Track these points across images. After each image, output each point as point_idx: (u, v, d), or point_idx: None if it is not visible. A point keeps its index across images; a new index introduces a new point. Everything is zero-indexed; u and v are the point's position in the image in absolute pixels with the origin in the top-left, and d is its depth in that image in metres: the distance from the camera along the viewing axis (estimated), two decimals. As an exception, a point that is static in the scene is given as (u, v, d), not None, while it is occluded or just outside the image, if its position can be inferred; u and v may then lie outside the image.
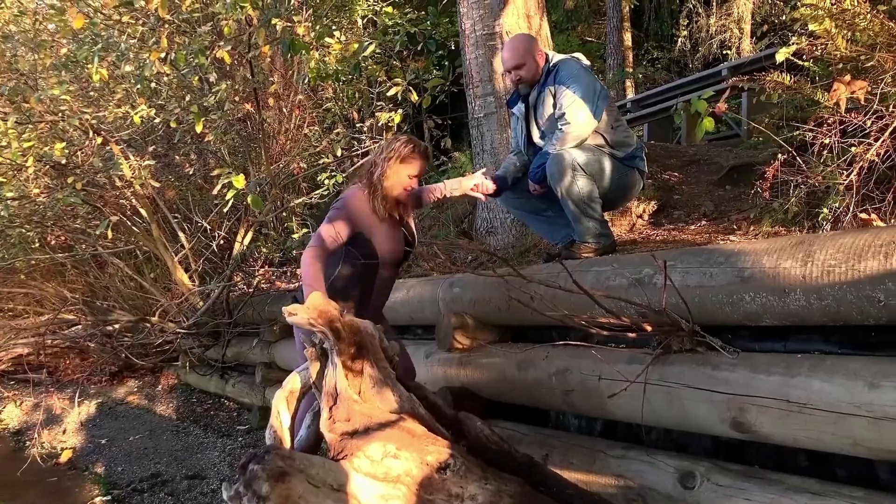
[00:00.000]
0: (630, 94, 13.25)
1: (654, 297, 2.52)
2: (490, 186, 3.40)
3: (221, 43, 4.79)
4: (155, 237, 6.31)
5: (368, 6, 10.68)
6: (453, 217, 5.30)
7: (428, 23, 8.05)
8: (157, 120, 5.18)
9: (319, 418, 2.34)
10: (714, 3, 14.34)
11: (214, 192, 4.57)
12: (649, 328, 2.44)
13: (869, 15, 3.13)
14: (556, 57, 3.54)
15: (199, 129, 4.75)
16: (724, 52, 13.89)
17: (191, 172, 6.33)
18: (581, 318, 2.53)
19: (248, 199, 4.45)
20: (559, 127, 3.35)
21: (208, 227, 5.82)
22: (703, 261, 2.46)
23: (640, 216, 4.39)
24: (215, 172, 4.49)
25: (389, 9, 7.64)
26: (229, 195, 4.28)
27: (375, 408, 2.21)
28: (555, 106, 3.42)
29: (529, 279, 2.61)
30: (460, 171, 7.08)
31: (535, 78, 3.53)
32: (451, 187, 3.33)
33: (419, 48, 7.49)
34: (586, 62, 3.56)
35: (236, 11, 4.28)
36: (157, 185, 5.67)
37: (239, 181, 4.19)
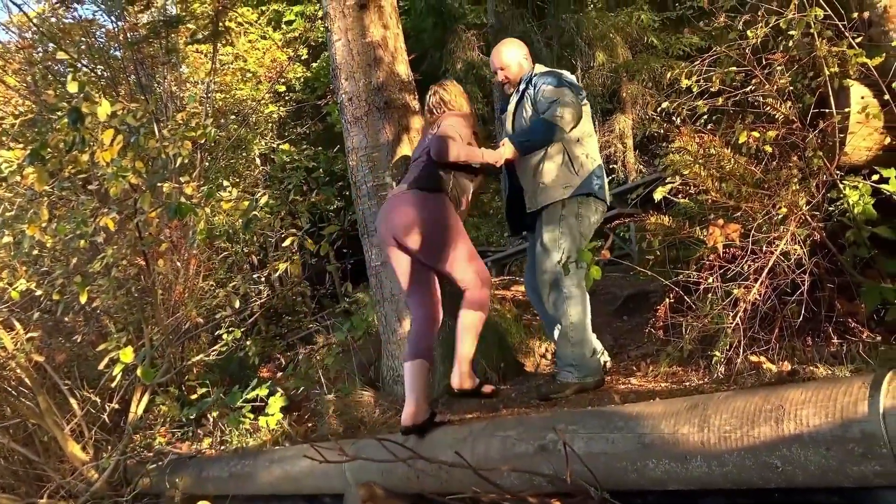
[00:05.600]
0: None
1: (561, 465, 2.46)
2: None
3: (105, 210, 4.65)
4: (42, 409, 5.88)
5: (265, 144, 10.79)
6: (358, 367, 5.18)
7: (321, 164, 8.17)
8: (39, 292, 4.92)
9: None
10: (595, 122, 15.13)
11: (101, 366, 4.31)
12: (557, 503, 2.37)
13: (732, 160, 3.32)
14: (542, 69, 3.83)
15: (83, 299, 4.52)
16: (611, 165, 14.58)
17: (79, 339, 6.01)
18: (489, 497, 2.43)
19: (139, 372, 4.21)
20: (551, 105, 3.56)
21: (98, 400, 5.49)
22: (604, 425, 2.43)
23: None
24: (100, 347, 4.25)
25: (286, 146, 7.67)
26: (117, 370, 4.05)
27: None
28: (533, 105, 3.69)
29: (432, 461, 2.52)
30: (364, 312, 6.98)
31: (517, 79, 3.86)
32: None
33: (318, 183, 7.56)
34: (570, 77, 3.78)
35: (119, 182, 4.18)
36: (40, 358, 5.34)
37: (126, 355, 3.97)
